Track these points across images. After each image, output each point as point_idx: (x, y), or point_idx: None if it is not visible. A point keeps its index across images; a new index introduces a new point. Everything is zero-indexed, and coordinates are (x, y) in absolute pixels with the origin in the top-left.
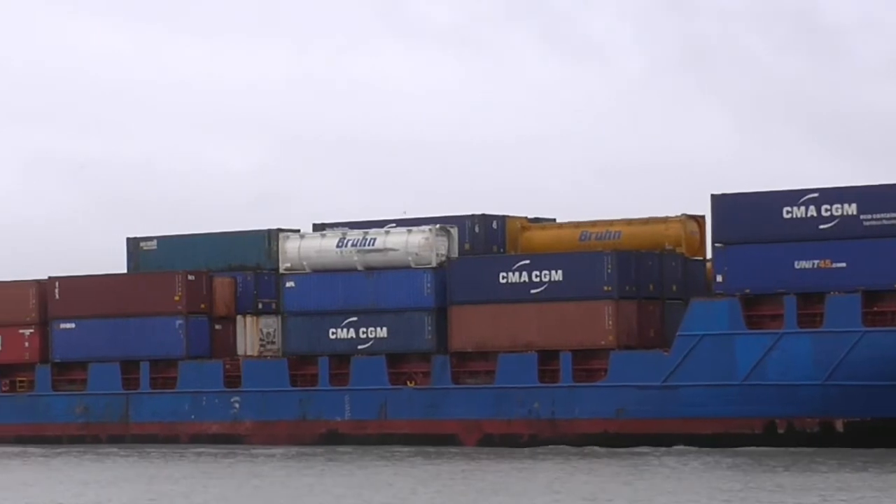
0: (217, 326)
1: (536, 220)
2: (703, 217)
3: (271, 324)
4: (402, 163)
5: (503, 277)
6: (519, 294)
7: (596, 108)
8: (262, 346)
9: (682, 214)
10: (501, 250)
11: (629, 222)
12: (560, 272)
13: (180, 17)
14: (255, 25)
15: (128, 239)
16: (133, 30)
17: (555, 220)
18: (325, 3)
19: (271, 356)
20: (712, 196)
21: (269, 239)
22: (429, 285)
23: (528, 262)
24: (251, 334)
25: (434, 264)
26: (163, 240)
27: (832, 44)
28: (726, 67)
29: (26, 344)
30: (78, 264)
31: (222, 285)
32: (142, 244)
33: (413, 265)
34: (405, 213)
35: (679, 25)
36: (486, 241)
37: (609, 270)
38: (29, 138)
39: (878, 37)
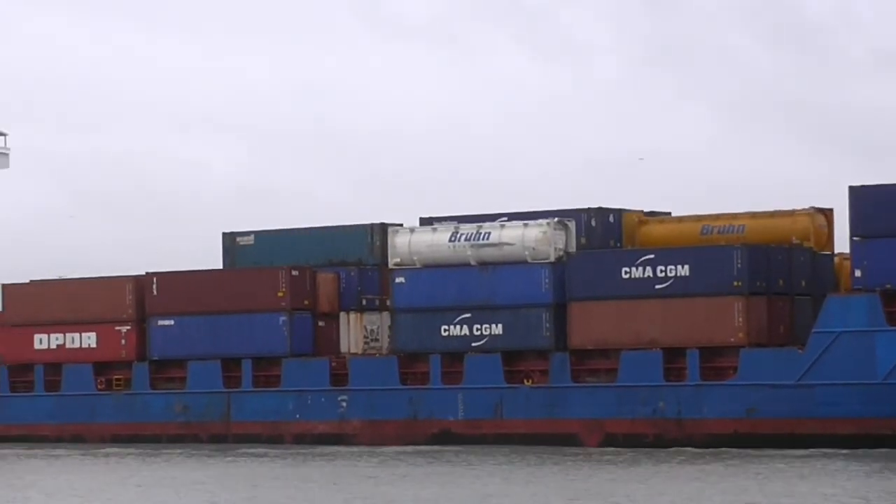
0: (320, 323)
1: (652, 213)
2: (831, 210)
3: (375, 320)
4: (381, 160)
5: (626, 272)
6: (643, 289)
7: (573, 106)
8: (366, 343)
9: (811, 207)
10: (618, 244)
11: (753, 216)
12: (687, 267)
13: (155, 14)
14: (235, 24)
15: (223, 234)
16: (111, 28)
17: (670, 213)
18: (304, 1)
19: (375, 354)
20: (850, 188)
21: (371, 233)
22: (547, 280)
23: (652, 256)
24: (355, 331)
25: (552, 259)
26: (260, 235)
27: (813, 40)
28: (706, 64)
29: (123, 341)
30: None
31: (326, 281)
32: (238, 239)
33: (530, 260)
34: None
35: (657, 23)
36: (602, 235)
37: (739, 265)
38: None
39: (858, 32)
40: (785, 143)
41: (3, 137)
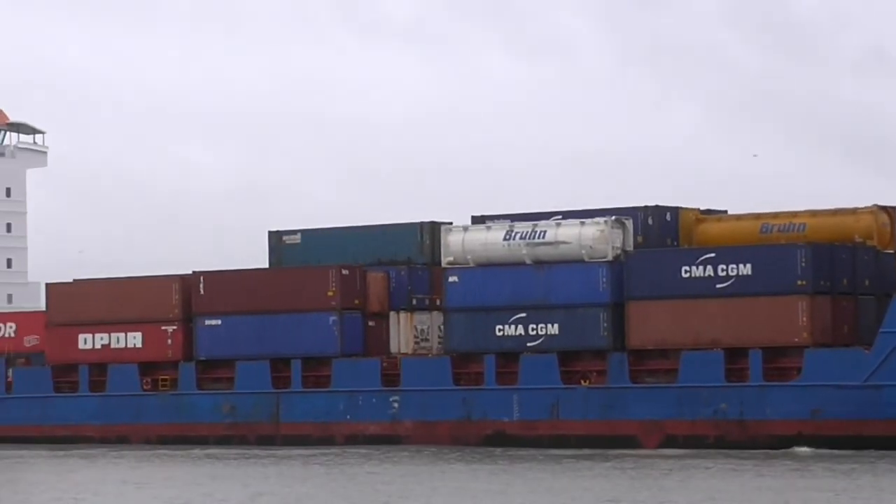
0: (370, 323)
1: (708, 211)
2: (894, 208)
3: (425, 320)
4: (370, 158)
5: (686, 271)
6: (703, 289)
7: (561, 104)
8: (416, 343)
9: (874, 205)
10: (675, 243)
11: (814, 214)
12: (749, 266)
13: (140, 15)
14: (224, 24)
15: (269, 232)
16: (98, 29)
17: (726, 211)
18: (289, 2)
19: (426, 354)
20: None
21: (421, 232)
22: (604, 279)
23: (713, 255)
24: (405, 331)
25: (609, 258)
26: (307, 233)
27: (803, 39)
28: (693, 62)
29: (169, 341)
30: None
31: (376, 280)
32: (284, 238)
33: (587, 259)
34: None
35: (646, 22)
36: (659, 233)
37: (803, 264)
38: None
39: (848, 32)
40: (774, 139)
41: (40, 136)
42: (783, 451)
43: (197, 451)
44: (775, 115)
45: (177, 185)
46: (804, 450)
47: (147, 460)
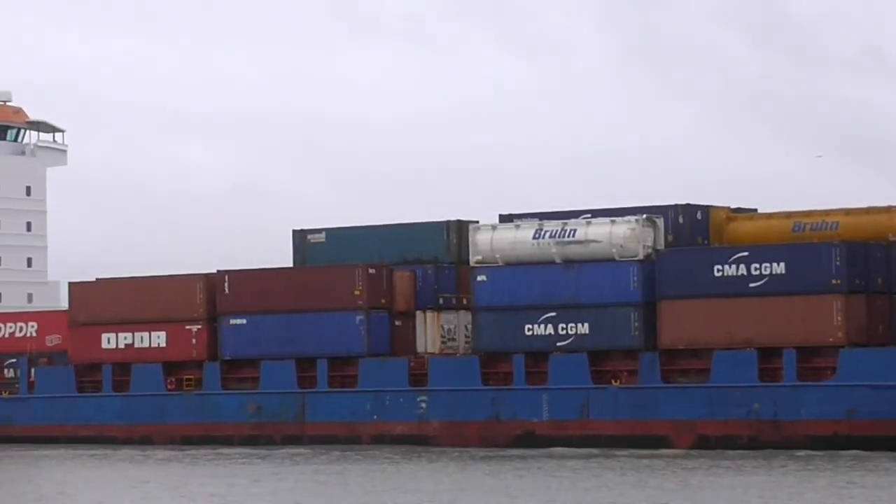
0: (397, 322)
1: (738, 210)
2: None
3: (452, 320)
4: (364, 159)
5: (718, 270)
6: (736, 288)
7: (559, 104)
8: (443, 342)
9: None
10: (705, 242)
11: (847, 212)
12: (782, 265)
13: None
14: (216, 26)
15: (294, 231)
16: (99, 31)
17: (756, 210)
18: (282, 2)
19: (454, 353)
20: None
21: (447, 230)
22: (635, 279)
23: (745, 253)
24: (432, 331)
25: (640, 256)
26: (332, 232)
27: (800, 38)
28: (689, 61)
29: (193, 340)
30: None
31: (402, 279)
32: (309, 237)
33: (617, 258)
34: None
35: (644, 21)
36: (690, 232)
37: (838, 263)
38: None
39: (844, 30)
40: (767, 138)
41: (60, 134)
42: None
43: (225, 451)
44: (773, 114)
45: (175, 184)
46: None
47: (177, 461)
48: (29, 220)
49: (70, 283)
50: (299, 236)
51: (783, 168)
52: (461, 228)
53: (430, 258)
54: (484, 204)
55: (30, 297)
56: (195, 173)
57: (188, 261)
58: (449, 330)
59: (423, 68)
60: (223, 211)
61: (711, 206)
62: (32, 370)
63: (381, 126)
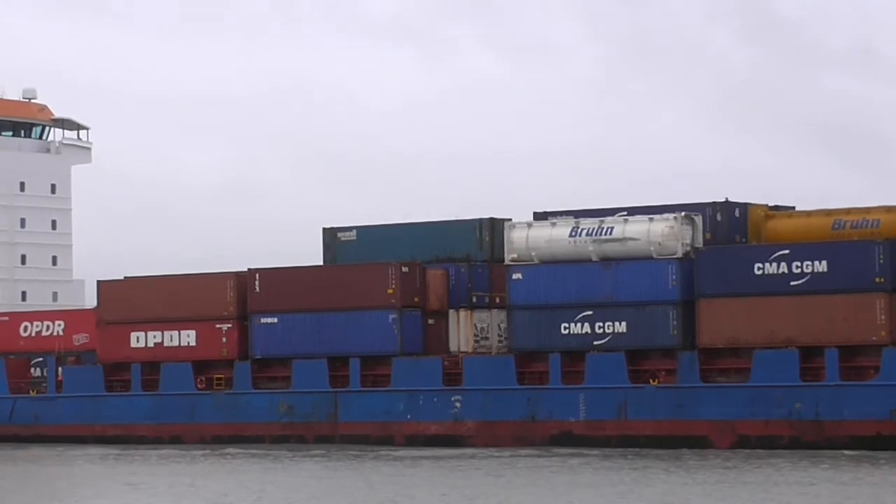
0: (430, 321)
1: (776, 207)
2: None
3: (485, 318)
4: (358, 160)
5: (758, 268)
6: (777, 286)
7: (548, 104)
8: (476, 341)
9: None
10: (743, 240)
11: (888, 209)
12: (824, 263)
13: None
14: (205, 25)
15: (324, 229)
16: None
17: (794, 207)
18: (274, 2)
19: (489, 352)
20: None
21: (480, 228)
22: (674, 277)
23: (786, 252)
24: (465, 329)
25: (679, 254)
26: (362, 230)
27: (789, 35)
28: (681, 61)
29: (224, 339)
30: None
31: (435, 278)
32: (339, 235)
33: (655, 255)
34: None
35: (633, 19)
36: (728, 229)
37: (881, 261)
38: None
39: (834, 29)
40: (760, 136)
41: (85, 132)
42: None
43: (255, 451)
44: (763, 112)
45: (168, 182)
46: None
47: (209, 461)
48: (54, 218)
49: (99, 282)
50: (329, 234)
51: (776, 166)
52: (494, 226)
53: (463, 256)
54: (481, 205)
55: (55, 296)
56: (185, 171)
57: (191, 259)
58: (482, 329)
59: (412, 68)
60: (210, 208)
61: (749, 204)
62: (60, 369)
63: (370, 125)
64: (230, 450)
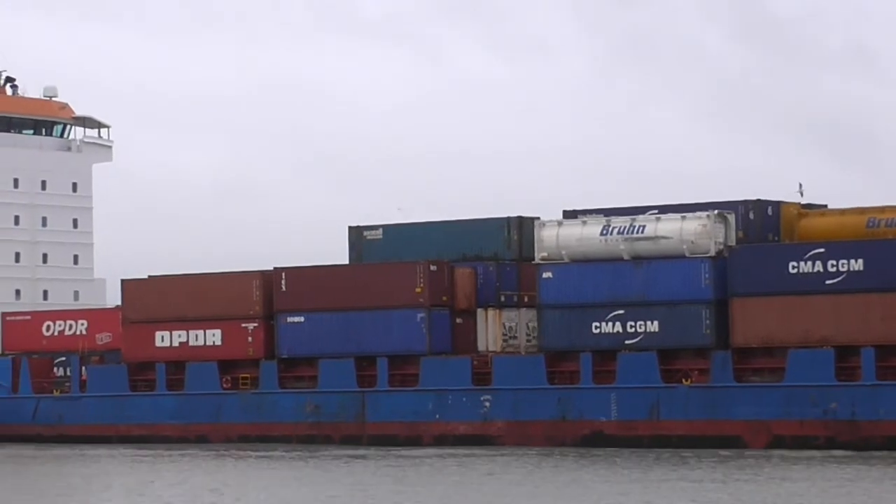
0: (458, 320)
1: (808, 206)
2: None
3: (514, 317)
4: (352, 159)
5: (793, 267)
6: (812, 285)
7: (542, 104)
8: (504, 341)
9: None
10: (776, 238)
11: None
12: (861, 261)
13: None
14: (196, 25)
15: (350, 228)
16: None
17: (826, 206)
18: (265, 2)
19: (519, 352)
20: None
21: (508, 227)
22: (707, 275)
23: (821, 250)
24: (493, 329)
25: (712, 253)
26: (389, 228)
27: (782, 34)
28: (673, 60)
29: (250, 339)
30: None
31: (463, 276)
32: (365, 233)
33: (688, 254)
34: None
35: (628, 19)
36: (761, 228)
37: None
38: None
39: (828, 27)
40: (753, 135)
41: (106, 129)
42: None
43: (279, 452)
44: (757, 110)
45: (169, 182)
46: None
47: (238, 461)
48: (75, 216)
49: (123, 281)
50: (355, 233)
51: (768, 164)
52: (522, 225)
53: (490, 255)
54: (478, 206)
55: (76, 295)
56: (183, 172)
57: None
58: (510, 328)
59: (405, 67)
60: (203, 209)
61: (782, 202)
62: (84, 368)
63: (365, 125)
64: (278, 451)
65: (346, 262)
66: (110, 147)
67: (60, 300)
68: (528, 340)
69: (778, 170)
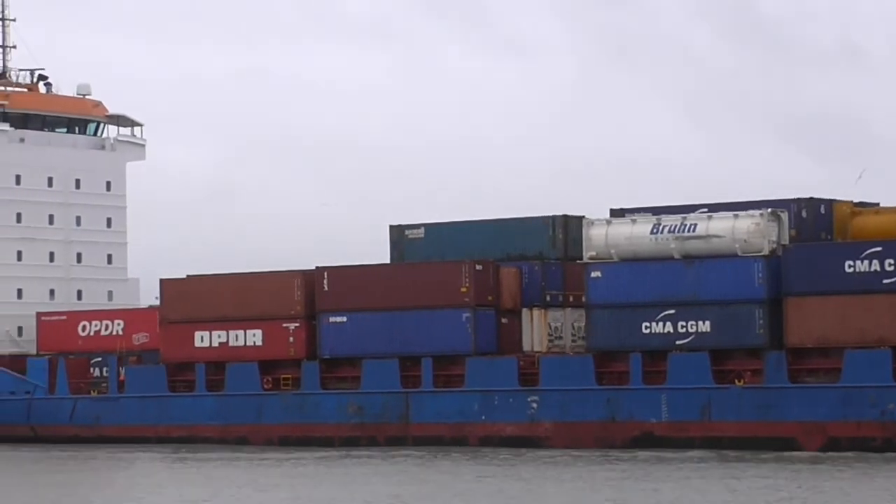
0: (503, 320)
1: (861, 204)
2: None
3: (559, 317)
4: (337, 158)
5: (849, 266)
6: (869, 284)
7: (533, 107)
8: (549, 341)
9: None
10: (829, 237)
11: None
12: None
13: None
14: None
15: (391, 227)
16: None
17: (878, 204)
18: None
19: (567, 352)
20: None
21: (553, 225)
22: (760, 275)
23: (878, 249)
24: (538, 329)
25: (766, 252)
26: (431, 227)
27: (770, 34)
28: (663, 61)
29: (291, 339)
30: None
31: (508, 276)
32: (407, 232)
33: (741, 253)
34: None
35: (614, 19)
36: (813, 226)
37: None
38: None
39: (814, 26)
40: (744, 136)
41: (139, 128)
42: None
43: (326, 453)
44: (747, 110)
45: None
46: None
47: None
48: (109, 215)
49: (161, 280)
50: (396, 232)
51: (760, 163)
52: (567, 223)
53: (535, 254)
54: (473, 207)
55: (110, 295)
56: (175, 173)
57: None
58: (556, 328)
59: (392, 68)
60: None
61: (835, 200)
62: (122, 369)
63: (355, 127)
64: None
65: (387, 261)
66: (143, 145)
67: (94, 300)
68: (573, 340)
69: (765, 167)
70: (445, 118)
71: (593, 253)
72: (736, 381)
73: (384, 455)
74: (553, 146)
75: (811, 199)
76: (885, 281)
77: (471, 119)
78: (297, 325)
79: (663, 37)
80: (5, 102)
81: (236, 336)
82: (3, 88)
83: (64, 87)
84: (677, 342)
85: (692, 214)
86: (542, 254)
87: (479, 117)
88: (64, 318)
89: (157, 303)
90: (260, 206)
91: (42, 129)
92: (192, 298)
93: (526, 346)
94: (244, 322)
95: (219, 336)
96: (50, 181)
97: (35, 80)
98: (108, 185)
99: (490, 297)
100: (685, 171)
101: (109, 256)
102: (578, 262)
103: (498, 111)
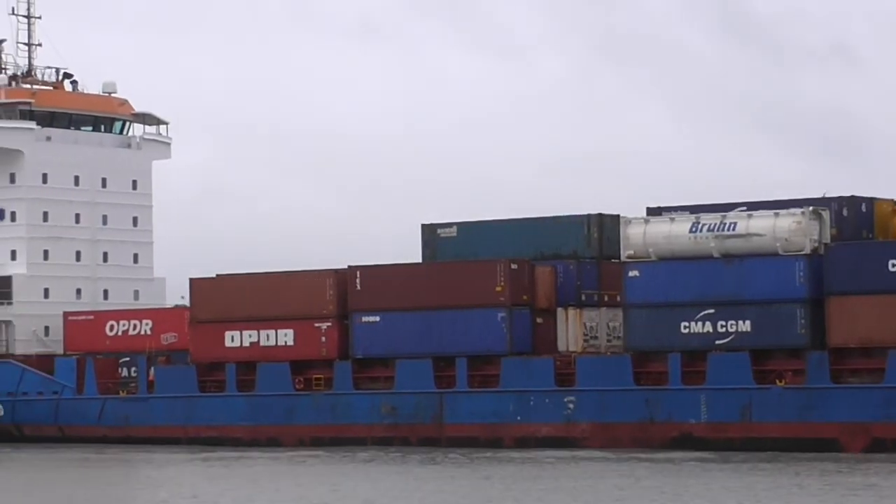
0: (538, 320)
1: None
2: None
3: (594, 317)
4: (332, 156)
5: (893, 265)
6: None
7: (525, 105)
8: (585, 341)
9: None
10: (870, 235)
11: None
12: None
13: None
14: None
15: (423, 226)
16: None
17: None
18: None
19: (596, 352)
20: None
21: (588, 224)
22: (801, 274)
23: None
24: (573, 328)
25: (807, 250)
26: (463, 226)
27: (761, 34)
28: (656, 60)
29: (323, 339)
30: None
31: (543, 275)
32: (439, 231)
33: (781, 252)
34: None
35: (605, 18)
36: (855, 224)
37: None
38: None
39: (804, 26)
40: (739, 136)
41: (164, 126)
42: None
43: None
44: (741, 111)
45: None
46: None
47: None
48: (135, 214)
49: (191, 279)
50: (428, 230)
51: (754, 162)
52: (602, 222)
53: (569, 253)
54: (474, 208)
55: (136, 294)
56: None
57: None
58: (591, 328)
59: (385, 70)
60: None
61: (876, 199)
62: (151, 369)
63: (350, 130)
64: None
65: (419, 260)
66: (169, 144)
67: (121, 299)
68: (608, 340)
69: (760, 167)
70: (446, 119)
71: (631, 252)
72: (777, 381)
73: (421, 457)
74: (544, 143)
75: (852, 197)
76: None
77: (471, 120)
78: (329, 324)
79: (656, 37)
80: (32, 101)
81: (267, 336)
82: (29, 87)
83: (88, 84)
84: (717, 342)
85: (731, 213)
86: (576, 253)
87: (473, 119)
88: (91, 317)
89: (182, 302)
90: (258, 206)
91: (68, 128)
92: (222, 298)
93: (561, 346)
94: (275, 322)
95: (250, 336)
96: (76, 180)
97: (61, 78)
98: (135, 183)
99: (525, 297)
100: (672, 169)
101: (136, 256)
102: (615, 261)
103: (493, 112)
